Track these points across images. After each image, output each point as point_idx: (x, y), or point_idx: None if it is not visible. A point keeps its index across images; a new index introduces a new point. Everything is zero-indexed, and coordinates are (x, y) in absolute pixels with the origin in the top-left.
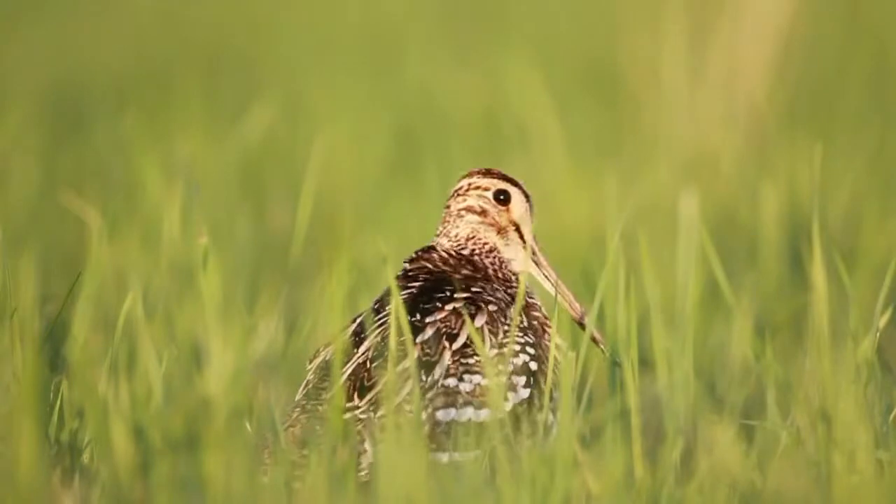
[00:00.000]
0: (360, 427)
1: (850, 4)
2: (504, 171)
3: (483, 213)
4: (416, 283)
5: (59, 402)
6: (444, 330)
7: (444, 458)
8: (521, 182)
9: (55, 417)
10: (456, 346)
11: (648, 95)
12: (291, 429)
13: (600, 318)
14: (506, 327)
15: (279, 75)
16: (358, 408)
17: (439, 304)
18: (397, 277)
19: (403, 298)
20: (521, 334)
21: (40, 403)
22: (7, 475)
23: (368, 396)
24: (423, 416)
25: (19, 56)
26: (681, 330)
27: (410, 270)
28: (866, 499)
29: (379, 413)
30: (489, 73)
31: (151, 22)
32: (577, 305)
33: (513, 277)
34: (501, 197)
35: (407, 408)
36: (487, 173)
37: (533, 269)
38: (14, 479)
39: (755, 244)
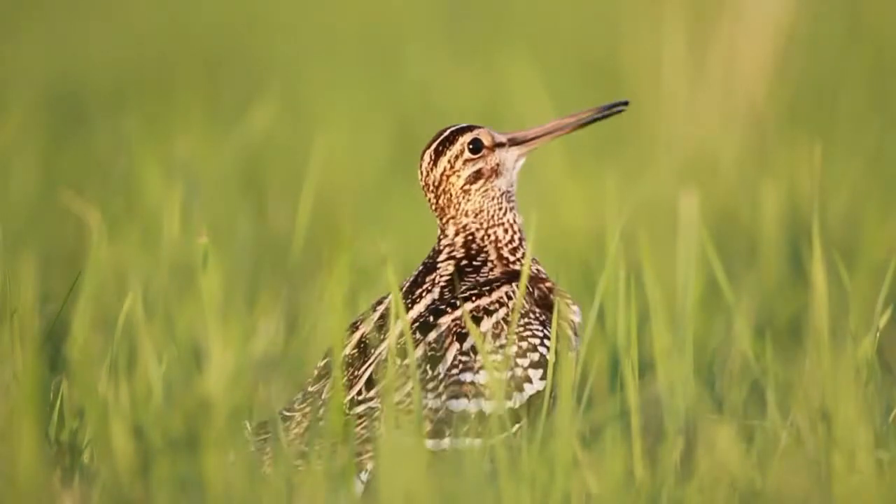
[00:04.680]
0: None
1: (850, 4)
2: (442, 130)
3: (479, 172)
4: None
5: (59, 402)
6: (454, 329)
7: (445, 444)
8: (458, 125)
9: (55, 417)
10: (466, 345)
11: (648, 95)
12: (295, 423)
13: (600, 318)
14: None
15: (279, 75)
16: (370, 399)
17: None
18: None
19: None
20: (539, 327)
21: (40, 403)
22: (7, 475)
23: (376, 389)
24: (435, 405)
25: (19, 56)
26: (681, 330)
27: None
28: (866, 499)
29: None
30: (489, 73)
31: (151, 22)
32: (575, 117)
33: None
34: (472, 147)
35: (406, 400)
36: (445, 143)
37: (524, 149)
38: (14, 479)
39: (755, 244)
